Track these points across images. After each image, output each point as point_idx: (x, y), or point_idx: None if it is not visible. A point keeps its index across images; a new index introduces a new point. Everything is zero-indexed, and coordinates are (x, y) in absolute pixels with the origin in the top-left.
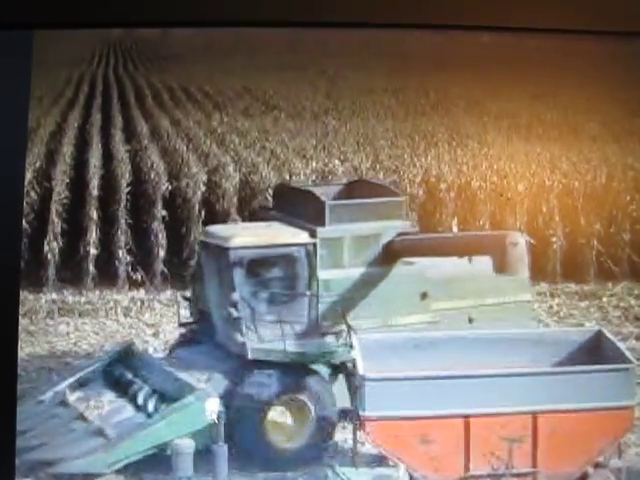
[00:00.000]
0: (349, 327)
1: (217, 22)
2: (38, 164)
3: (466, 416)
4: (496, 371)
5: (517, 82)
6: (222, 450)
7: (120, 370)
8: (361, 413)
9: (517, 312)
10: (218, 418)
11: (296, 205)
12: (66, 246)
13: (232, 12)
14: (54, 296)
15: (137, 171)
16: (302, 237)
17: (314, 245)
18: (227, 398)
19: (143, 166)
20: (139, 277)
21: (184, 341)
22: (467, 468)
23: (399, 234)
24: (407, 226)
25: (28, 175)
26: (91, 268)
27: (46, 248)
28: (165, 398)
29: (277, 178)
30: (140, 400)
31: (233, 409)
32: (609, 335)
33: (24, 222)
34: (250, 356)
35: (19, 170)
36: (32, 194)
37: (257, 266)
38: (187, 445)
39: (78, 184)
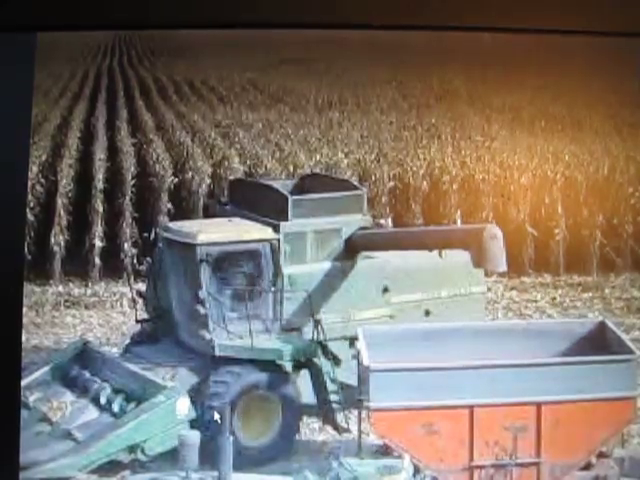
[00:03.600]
0: (317, 322)
1: (219, 23)
2: (44, 157)
3: (471, 406)
4: (500, 362)
5: (520, 76)
6: (228, 442)
7: (76, 369)
8: (365, 404)
9: (470, 304)
10: (221, 412)
11: (255, 200)
12: (72, 239)
13: (232, 13)
14: (60, 288)
15: (142, 164)
16: (268, 233)
17: (278, 240)
18: (194, 396)
19: (149, 159)
20: (145, 269)
21: (141, 338)
22: (471, 458)
23: (360, 228)
24: (367, 220)
25: (34, 168)
26: (97, 260)
27: (52, 241)
28: (130, 397)
29: (281, 170)
30: (103, 400)
31: (200, 406)
32: (612, 326)
33: (31, 215)
34: (217, 353)
35: (22, 165)
36: (38, 187)
37: (223, 262)
38: (193, 436)
39: (84, 177)
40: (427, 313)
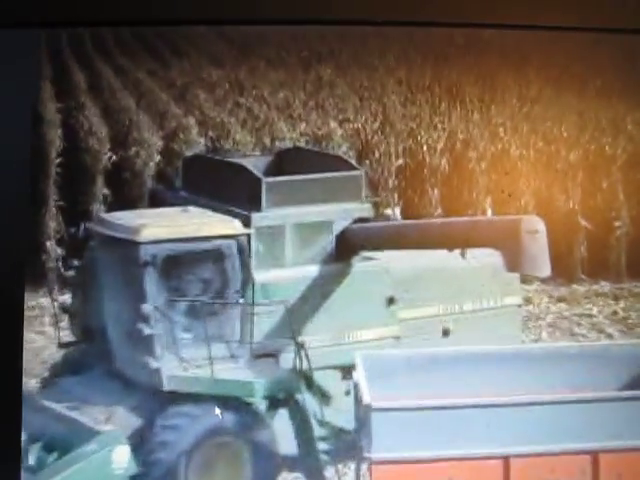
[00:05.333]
0: (299, 346)
1: (221, 20)
2: None
3: (505, 457)
4: (544, 397)
5: None
6: None
7: None
8: (365, 455)
9: (503, 321)
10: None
11: (219, 183)
12: None
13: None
14: None
15: (70, 136)
16: (233, 227)
17: (248, 237)
18: (136, 444)
19: (79, 129)
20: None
21: (66, 368)
22: None
23: (357, 220)
24: (367, 210)
25: None
26: None
27: None
28: (51, 446)
29: (254, 144)
30: None
31: (144, 458)
32: None
33: None
34: (166, 387)
35: (22, 164)
36: None
37: (175, 266)
38: None
39: None
40: (446, 333)
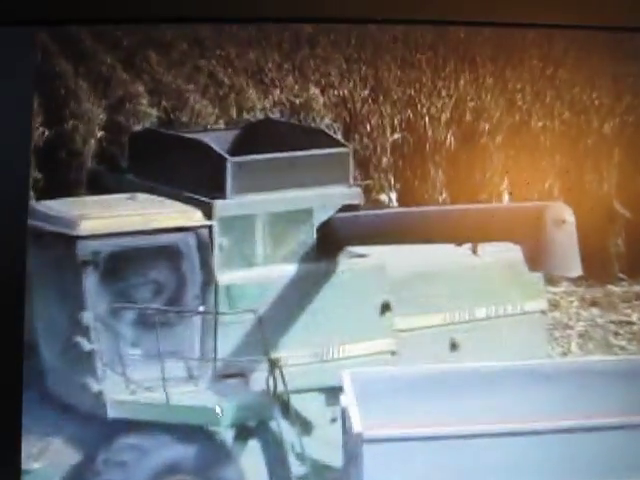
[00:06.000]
0: (273, 364)
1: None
2: None
3: None
4: (571, 423)
5: None
6: None
7: None
8: None
9: (523, 330)
10: None
11: (173, 164)
12: None
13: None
14: None
15: None
16: (192, 217)
17: (210, 229)
18: None
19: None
20: None
21: None
22: None
23: (344, 208)
24: (356, 195)
25: None
26: None
27: None
28: None
29: (217, 116)
30: None
31: None
32: None
33: None
34: (110, 414)
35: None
36: None
37: (121, 266)
38: None
39: None
40: (454, 346)
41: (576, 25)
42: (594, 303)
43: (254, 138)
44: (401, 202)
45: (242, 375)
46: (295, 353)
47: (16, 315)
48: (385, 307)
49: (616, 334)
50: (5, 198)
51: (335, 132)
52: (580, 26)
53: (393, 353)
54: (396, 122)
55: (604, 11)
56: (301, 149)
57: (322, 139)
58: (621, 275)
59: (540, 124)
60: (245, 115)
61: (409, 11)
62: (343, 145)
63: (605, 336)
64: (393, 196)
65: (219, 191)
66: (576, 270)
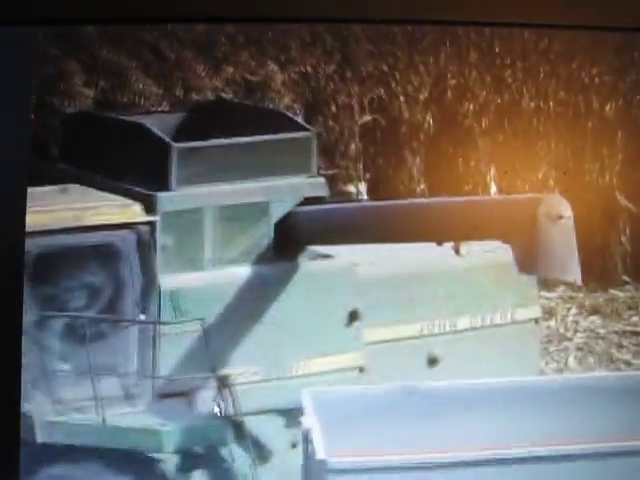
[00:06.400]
0: (222, 382)
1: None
2: None
3: None
4: (567, 449)
5: None
6: None
7: None
8: None
9: (513, 342)
10: None
11: (110, 151)
12: None
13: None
14: None
15: None
16: (131, 213)
17: (151, 226)
18: None
19: None
20: None
21: None
22: None
23: (306, 201)
24: (320, 187)
25: None
26: None
27: None
28: None
29: (161, 95)
30: None
31: None
32: None
33: None
34: (39, 438)
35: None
36: None
37: (50, 268)
38: None
39: None
40: (432, 361)
41: (578, 25)
42: (595, 311)
43: (203, 121)
44: (372, 194)
45: (187, 394)
46: (248, 369)
47: (13, 317)
48: (353, 316)
49: (620, 346)
50: (4, 198)
51: (296, 114)
52: (584, 26)
53: (362, 369)
54: (366, 102)
55: (607, 11)
56: (257, 134)
57: (281, 122)
58: (626, 278)
59: (532, 105)
60: (193, 95)
61: (409, 10)
62: (305, 129)
63: (607, 349)
64: (363, 187)
65: (162, 182)
66: (574, 273)
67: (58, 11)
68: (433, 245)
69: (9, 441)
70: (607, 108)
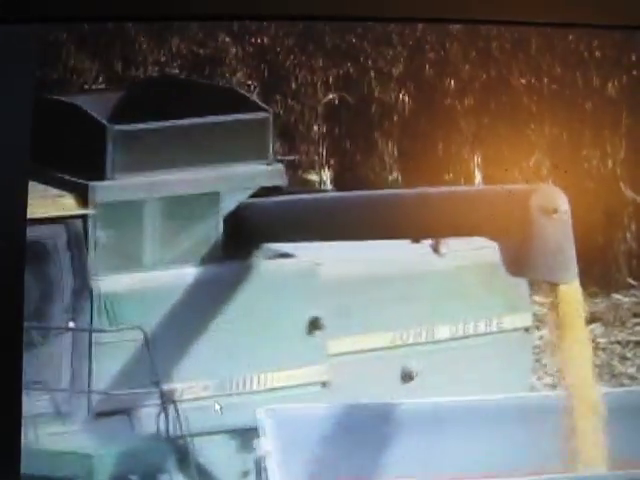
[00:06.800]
0: (165, 397)
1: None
2: None
3: None
4: (564, 476)
5: None
6: None
7: None
8: None
9: (501, 354)
10: None
11: (38, 135)
12: None
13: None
14: None
15: None
16: (61, 205)
17: (84, 221)
18: None
19: None
20: None
21: None
22: None
23: (261, 191)
24: (277, 174)
25: None
26: None
27: None
28: None
29: (96, 72)
30: None
31: None
32: None
33: None
34: None
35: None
36: None
37: None
38: None
39: None
40: (407, 376)
41: (578, 24)
42: (595, 318)
43: (144, 101)
44: (337, 184)
45: (125, 412)
46: (195, 384)
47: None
48: (315, 324)
49: (624, 359)
50: (5, 200)
51: (251, 92)
52: (584, 25)
53: (325, 384)
54: (331, 78)
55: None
56: (206, 115)
57: (234, 101)
58: (631, 281)
59: (523, 82)
60: (133, 71)
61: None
62: (261, 109)
63: (609, 361)
64: (327, 176)
65: (97, 170)
66: (571, 275)
67: (57, 10)
68: (408, 243)
69: (9, 444)
70: (609, 86)
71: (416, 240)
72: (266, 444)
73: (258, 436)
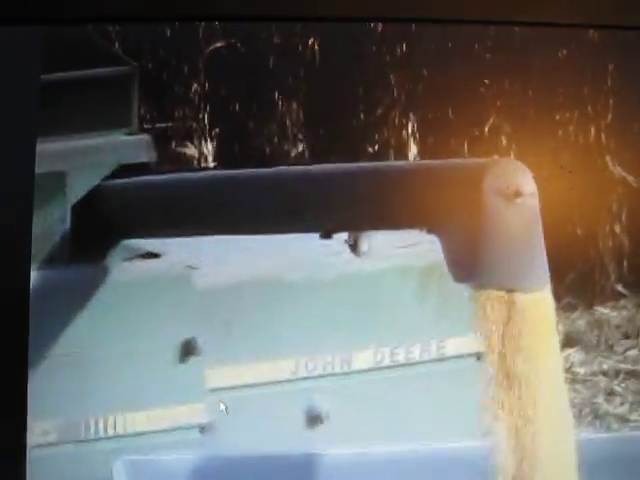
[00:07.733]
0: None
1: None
2: None
3: None
4: None
5: None
6: None
7: None
8: None
9: (443, 390)
10: None
11: None
12: None
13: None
14: None
15: None
16: None
17: None
18: None
19: None
20: None
21: None
22: None
23: (121, 169)
24: (142, 146)
25: None
26: None
27: None
28: None
29: None
30: None
31: None
32: None
33: None
34: None
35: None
36: None
37: None
38: None
39: None
40: (314, 418)
41: (578, 24)
42: (572, 341)
43: None
44: (223, 159)
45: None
46: (38, 424)
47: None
48: (188, 347)
49: (611, 394)
50: (8, 202)
51: (112, 41)
52: (585, 25)
53: (203, 429)
54: (217, 22)
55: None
56: (48, 71)
57: (86, 52)
58: (620, 289)
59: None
60: None
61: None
62: (122, 61)
63: (592, 399)
64: (208, 149)
65: None
66: (539, 281)
67: (57, 9)
68: (315, 237)
69: (14, 447)
70: (595, 34)
71: (327, 234)
72: None
73: None
